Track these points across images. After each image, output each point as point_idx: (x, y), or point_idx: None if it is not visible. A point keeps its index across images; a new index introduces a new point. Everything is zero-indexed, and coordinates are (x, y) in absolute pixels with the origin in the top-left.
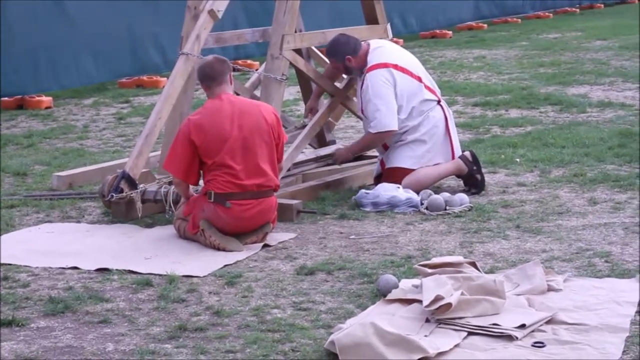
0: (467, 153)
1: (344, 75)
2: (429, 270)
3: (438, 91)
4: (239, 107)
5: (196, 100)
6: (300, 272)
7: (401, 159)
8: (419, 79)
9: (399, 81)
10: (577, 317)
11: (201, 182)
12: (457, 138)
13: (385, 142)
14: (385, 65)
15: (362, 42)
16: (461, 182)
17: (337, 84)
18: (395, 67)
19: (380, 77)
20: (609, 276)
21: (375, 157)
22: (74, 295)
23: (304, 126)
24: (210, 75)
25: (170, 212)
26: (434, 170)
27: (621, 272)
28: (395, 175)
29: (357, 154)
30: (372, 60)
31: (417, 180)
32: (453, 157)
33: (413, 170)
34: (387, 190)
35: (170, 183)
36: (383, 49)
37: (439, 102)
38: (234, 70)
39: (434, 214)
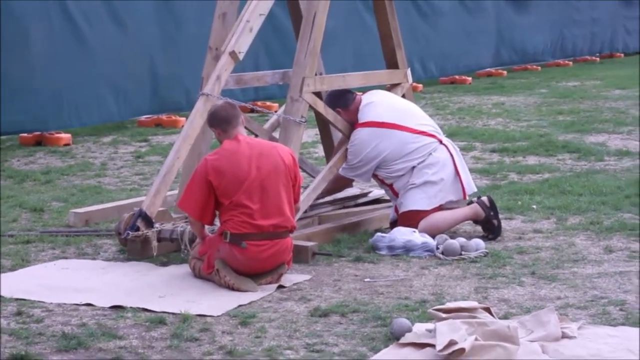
0: (484, 198)
1: None
2: (443, 315)
3: (439, 132)
4: (257, 148)
5: (214, 141)
6: (314, 313)
7: (414, 201)
8: (411, 130)
9: (383, 139)
10: None
11: (217, 221)
12: (469, 175)
13: (395, 188)
14: (370, 125)
15: (357, 96)
16: (477, 228)
17: None
18: (382, 124)
19: (361, 137)
20: (623, 324)
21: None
22: (88, 331)
23: None
24: (226, 118)
25: (186, 252)
26: (450, 215)
27: (636, 321)
28: (410, 218)
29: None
30: (360, 117)
31: (433, 225)
32: (464, 195)
33: (427, 211)
34: (403, 234)
35: (186, 220)
36: (372, 105)
37: (440, 142)
38: (253, 111)
39: (449, 259)
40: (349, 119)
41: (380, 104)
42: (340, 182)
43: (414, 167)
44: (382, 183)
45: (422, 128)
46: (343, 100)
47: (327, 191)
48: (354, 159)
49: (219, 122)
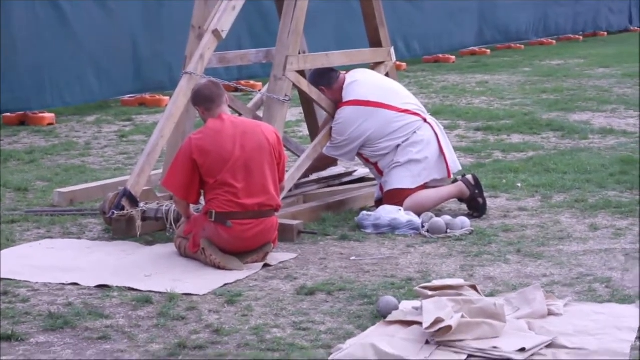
0: (469, 176)
1: None
2: (430, 293)
3: (423, 110)
4: (241, 127)
5: (198, 120)
6: (300, 292)
7: (399, 179)
8: (395, 109)
9: (367, 117)
10: (577, 341)
11: (202, 201)
12: (453, 153)
13: (379, 167)
14: (355, 103)
15: (341, 74)
16: (462, 206)
17: None
18: (366, 103)
19: (345, 116)
20: (609, 301)
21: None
22: (74, 311)
23: None
24: (210, 97)
25: (171, 231)
26: (435, 193)
27: (622, 297)
28: (395, 196)
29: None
30: (344, 96)
31: (418, 203)
32: (448, 173)
33: (412, 189)
34: (389, 213)
35: (171, 198)
36: (356, 83)
37: (425, 120)
38: (237, 90)
39: (435, 237)
40: (332, 98)
41: (364, 82)
42: (324, 161)
43: (398, 146)
44: (366, 162)
45: (406, 107)
46: (326, 79)
47: (311, 169)
48: (339, 137)
49: (203, 100)
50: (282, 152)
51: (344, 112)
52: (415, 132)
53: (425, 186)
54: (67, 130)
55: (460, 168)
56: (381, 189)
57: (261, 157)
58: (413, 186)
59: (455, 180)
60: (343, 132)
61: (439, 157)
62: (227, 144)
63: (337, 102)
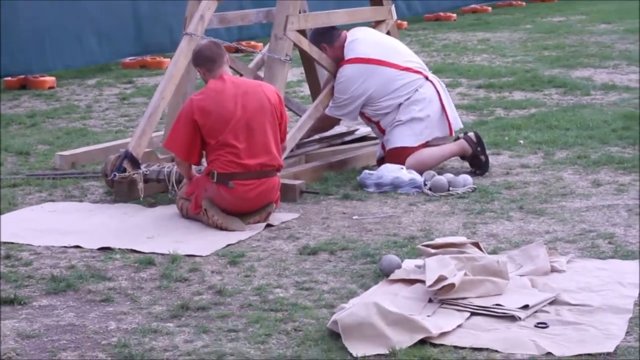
0: (471, 134)
1: None
2: (432, 251)
3: (425, 68)
4: (242, 87)
5: (199, 81)
6: (303, 252)
7: (401, 138)
8: (396, 66)
9: (369, 75)
10: (581, 298)
11: (204, 161)
12: (455, 111)
13: (381, 125)
14: (356, 61)
15: (342, 32)
16: (465, 164)
17: None
18: (368, 60)
19: (347, 74)
20: (612, 258)
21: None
22: (76, 274)
23: None
24: (211, 57)
25: (173, 192)
26: (437, 151)
27: (625, 253)
28: (397, 155)
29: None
30: (346, 54)
31: (420, 161)
32: (450, 131)
33: (414, 148)
34: (391, 171)
35: (173, 160)
36: (357, 42)
37: (426, 78)
38: (237, 50)
39: (437, 195)
40: (334, 56)
41: (365, 40)
42: (327, 121)
43: (400, 104)
44: (368, 121)
45: (408, 65)
46: (328, 37)
47: (315, 130)
48: (341, 96)
49: (204, 61)
50: (284, 112)
51: (345, 71)
52: (417, 90)
53: (427, 144)
54: (68, 93)
55: (462, 126)
56: (383, 147)
57: (263, 117)
58: (415, 144)
59: (457, 138)
60: (345, 90)
61: (441, 115)
62: (229, 104)
63: (339, 60)
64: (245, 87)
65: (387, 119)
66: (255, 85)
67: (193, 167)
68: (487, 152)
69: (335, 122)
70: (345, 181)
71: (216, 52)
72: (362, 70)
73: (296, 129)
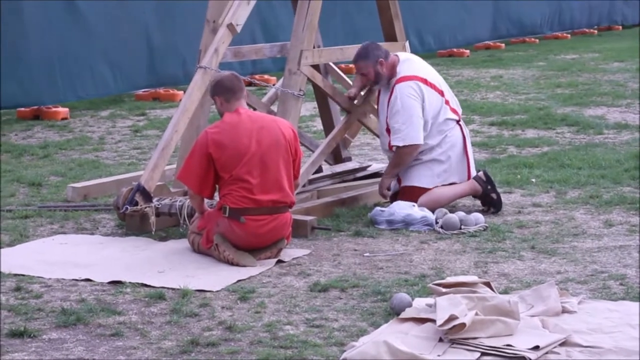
0: (480, 173)
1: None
2: (443, 290)
3: (460, 110)
4: (258, 122)
5: (213, 115)
6: (313, 288)
7: (418, 177)
8: (443, 96)
9: (427, 96)
10: (591, 339)
11: (217, 196)
12: (473, 158)
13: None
14: (415, 78)
15: (391, 53)
16: (477, 202)
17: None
18: (425, 81)
19: (409, 90)
20: (623, 299)
21: None
22: (87, 307)
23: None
24: (230, 88)
25: (185, 226)
26: (450, 190)
27: (636, 295)
28: (411, 193)
29: (394, 174)
30: (401, 71)
31: (433, 200)
32: (469, 177)
33: (429, 189)
34: (402, 208)
35: (185, 194)
36: (412, 62)
37: (458, 121)
38: (251, 84)
39: (448, 233)
40: (387, 73)
41: (419, 62)
42: (402, 158)
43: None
44: (390, 149)
45: (450, 100)
46: (383, 52)
47: (391, 170)
48: (404, 116)
49: (223, 91)
50: (298, 148)
51: (406, 86)
52: (447, 132)
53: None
54: (81, 125)
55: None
56: (399, 181)
57: (277, 152)
58: (431, 186)
59: None
60: (409, 105)
61: (462, 161)
62: (244, 139)
63: (390, 79)
64: (261, 122)
65: None
66: (271, 121)
67: (205, 201)
68: (499, 190)
69: (412, 152)
70: (356, 217)
71: (236, 84)
72: (421, 88)
73: (309, 164)
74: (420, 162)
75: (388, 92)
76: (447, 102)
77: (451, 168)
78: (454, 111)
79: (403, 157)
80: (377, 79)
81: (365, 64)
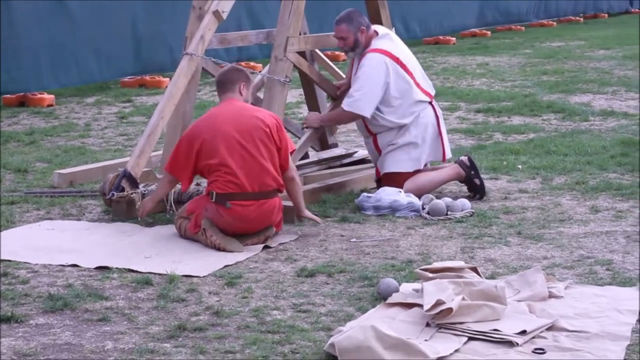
0: (464, 158)
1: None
2: (430, 275)
3: (432, 92)
4: (239, 111)
5: (199, 101)
6: (300, 274)
7: (396, 163)
8: (413, 78)
9: (393, 74)
10: (578, 324)
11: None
12: (447, 137)
13: (378, 142)
14: (387, 54)
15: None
16: (463, 188)
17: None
18: (397, 60)
19: (377, 62)
20: (610, 284)
21: None
22: (74, 292)
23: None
24: (220, 81)
25: (171, 212)
26: (435, 175)
27: (622, 280)
28: (394, 180)
29: (325, 124)
30: (376, 44)
31: (418, 186)
32: (444, 156)
33: (411, 173)
34: (389, 194)
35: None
36: (389, 38)
37: (430, 102)
38: None
39: (435, 219)
40: (365, 43)
41: (396, 41)
42: (341, 119)
43: (402, 127)
44: (368, 133)
45: (421, 82)
46: (366, 22)
47: (326, 120)
48: (363, 85)
49: (216, 84)
50: (283, 137)
51: (375, 57)
52: (419, 113)
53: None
54: (67, 111)
55: (451, 156)
56: (377, 171)
57: (257, 137)
58: (411, 170)
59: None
60: (369, 77)
61: (436, 141)
62: (223, 126)
63: (363, 49)
64: (241, 111)
65: (385, 137)
66: (253, 110)
67: (192, 186)
68: (486, 176)
69: (348, 118)
70: (343, 204)
71: (228, 77)
72: (388, 63)
73: (295, 151)
74: (396, 146)
75: (359, 60)
76: (417, 84)
77: (427, 149)
78: (426, 93)
79: (342, 119)
80: (355, 45)
81: (347, 28)
